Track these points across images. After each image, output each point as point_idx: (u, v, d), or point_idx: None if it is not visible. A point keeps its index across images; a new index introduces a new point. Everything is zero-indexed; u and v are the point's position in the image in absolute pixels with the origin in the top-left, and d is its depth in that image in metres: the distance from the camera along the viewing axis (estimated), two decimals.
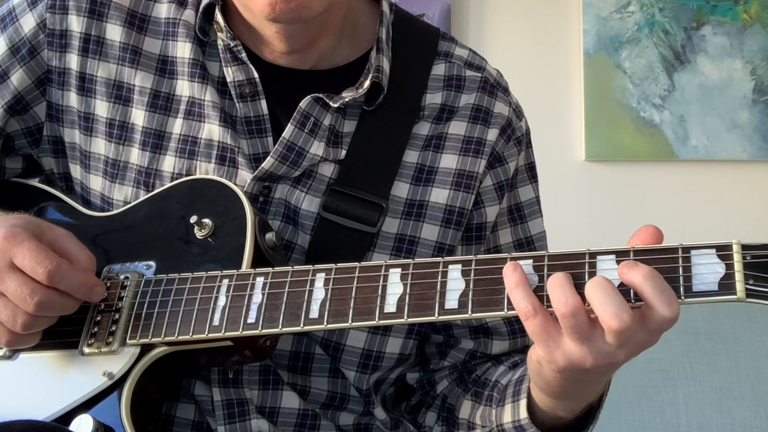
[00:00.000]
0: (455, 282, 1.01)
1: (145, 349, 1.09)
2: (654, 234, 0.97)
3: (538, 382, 1.06)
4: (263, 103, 1.23)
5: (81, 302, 1.08)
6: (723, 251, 0.93)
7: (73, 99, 1.26)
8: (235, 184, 1.17)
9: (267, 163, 1.20)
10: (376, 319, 1.02)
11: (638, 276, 0.92)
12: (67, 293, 1.05)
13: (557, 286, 0.94)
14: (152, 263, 1.15)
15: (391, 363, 1.27)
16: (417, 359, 1.35)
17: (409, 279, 1.03)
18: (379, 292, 1.03)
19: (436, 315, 1.00)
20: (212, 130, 1.22)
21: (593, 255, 0.97)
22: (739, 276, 0.92)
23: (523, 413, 1.13)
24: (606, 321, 0.91)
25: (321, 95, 1.21)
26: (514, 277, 0.97)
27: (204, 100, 1.23)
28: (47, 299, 1.03)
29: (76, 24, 1.25)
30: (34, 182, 1.31)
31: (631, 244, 0.98)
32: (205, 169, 1.22)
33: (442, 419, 1.32)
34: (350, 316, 1.03)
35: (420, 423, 1.35)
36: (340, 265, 1.06)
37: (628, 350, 0.95)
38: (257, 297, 1.07)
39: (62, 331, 1.10)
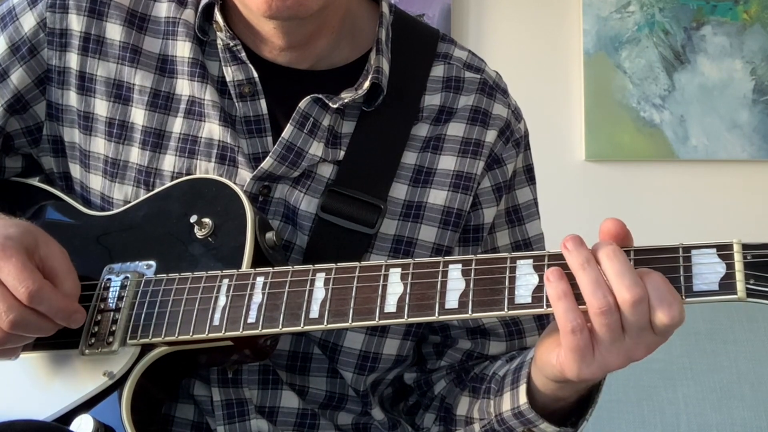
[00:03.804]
0: (455, 282, 1.01)
1: (146, 349, 1.09)
2: (614, 231, 0.97)
3: (548, 373, 1.05)
4: (263, 102, 1.23)
5: (59, 326, 1.06)
6: (724, 251, 0.93)
7: (72, 98, 1.26)
8: (235, 183, 1.17)
9: (266, 163, 1.20)
10: (377, 319, 1.02)
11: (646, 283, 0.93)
12: (45, 316, 1.04)
13: (593, 281, 0.94)
14: (152, 263, 1.15)
15: (388, 364, 1.27)
16: (414, 360, 1.35)
17: (410, 279, 1.03)
18: (380, 292, 1.03)
19: (437, 315, 1.00)
20: (212, 129, 1.22)
21: None
22: (739, 276, 0.92)
23: (523, 398, 1.12)
24: (621, 292, 0.92)
25: (320, 96, 1.21)
26: (560, 286, 0.95)
27: (204, 100, 1.23)
28: (22, 319, 1.01)
29: (76, 23, 1.25)
30: (34, 181, 1.31)
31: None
32: (205, 169, 1.22)
33: (440, 419, 1.32)
34: (350, 316, 1.03)
35: (418, 425, 1.35)
36: (340, 264, 1.06)
37: (645, 347, 0.95)
38: (257, 297, 1.07)
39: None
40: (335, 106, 1.21)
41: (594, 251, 0.96)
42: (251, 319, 1.06)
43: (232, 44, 1.22)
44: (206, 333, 1.07)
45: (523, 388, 1.13)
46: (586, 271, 0.94)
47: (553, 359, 1.01)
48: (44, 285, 1.02)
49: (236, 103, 1.23)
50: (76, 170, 1.28)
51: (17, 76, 1.25)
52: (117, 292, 1.13)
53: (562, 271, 0.96)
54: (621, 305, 0.93)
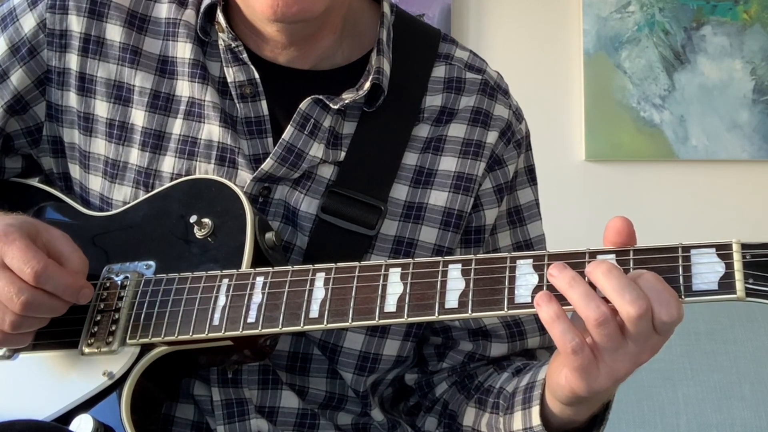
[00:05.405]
0: (455, 281, 1.01)
1: (145, 348, 1.09)
2: (619, 227, 0.97)
3: (561, 396, 1.05)
4: (264, 103, 1.23)
5: (69, 304, 1.07)
6: (723, 250, 0.93)
7: (72, 99, 1.26)
8: (235, 184, 1.17)
9: (266, 165, 1.20)
10: (376, 319, 1.02)
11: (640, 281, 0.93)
12: (54, 294, 1.05)
13: (582, 295, 0.94)
14: (152, 263, 1.15)
15: (388, 365, 1.27)
16: (414, 361, 1.35)
17: (409, 278, 1.03)
18: (379, 292, 1.03)
19: (436, 314, 1.00)
20: (212, 130, 1.22)
21: (593, 254, 0.98)
22: (738, 275, 0.92)
23: (536, 420, 1.12)
24: (625, 308, 0.92)
25: (321, 97, 1.21)
26: (551, 309, 0.95)
27: (204, 101, 1.23)
28: (34, 299, 1.03)
29: (76, 24, 1.25)
30: (34, 182, 1.31)
31: (607, 243, 0.98)
32: (205, 170, 1.22)
33: (444, 426, 1.32)
34: (350, 315, 1.03)
35: (419, 427, 1.35)
36: (340, 264, 1.06)
37: (651, 350, 0.96)
38: (257, 297, 1.07)
39: (62, 331, 1.10)
40: (336, 107, 1.21)
41: (589, 272, 0.95)
42: (251, 319, 1.06)
43: (233, 45, 1.22)
44: (206, 333, 1.07)
45: (536, 410, 1.13)
46: (574, 288, 0.94)
47: (562, 380, 1.01)
48: (49, 264, 1.03)
49: (237, 104, 1.23)
50: (75, 171, 1.28)
51: (17, 77, 1.25)
52: (117, 292, 1.13)
53: (551, 294, 0.96)
54: (626, 321, 0.92)
